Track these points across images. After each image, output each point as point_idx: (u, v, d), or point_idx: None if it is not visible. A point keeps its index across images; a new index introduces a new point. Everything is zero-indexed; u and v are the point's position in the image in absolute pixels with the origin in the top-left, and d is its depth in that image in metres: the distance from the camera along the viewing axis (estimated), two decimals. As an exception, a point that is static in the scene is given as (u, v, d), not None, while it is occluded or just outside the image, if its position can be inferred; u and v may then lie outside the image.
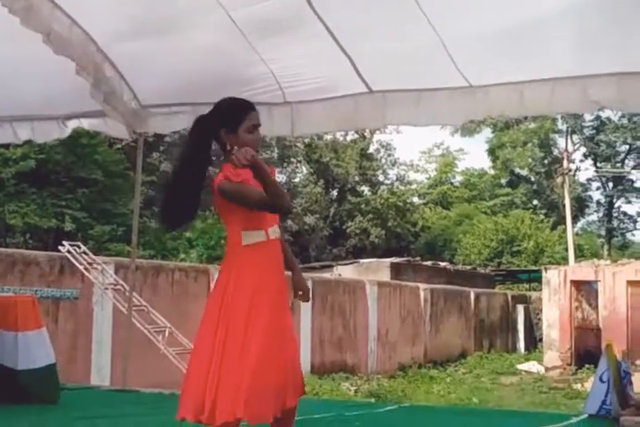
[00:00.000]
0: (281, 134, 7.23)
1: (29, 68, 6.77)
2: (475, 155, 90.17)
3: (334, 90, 6.22)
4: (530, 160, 49.80)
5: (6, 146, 18.99)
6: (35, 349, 6.80)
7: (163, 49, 6.19)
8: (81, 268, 12.34)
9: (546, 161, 50.00)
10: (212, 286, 15.63)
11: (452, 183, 51.90)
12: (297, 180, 40.47)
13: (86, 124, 7.48)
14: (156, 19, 5.79)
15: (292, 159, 39.05)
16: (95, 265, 12.46)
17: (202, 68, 6.33)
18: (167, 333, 11.84)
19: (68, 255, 12.46)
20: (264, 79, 6.31)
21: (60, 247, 12.82)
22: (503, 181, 51.45)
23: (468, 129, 49.61)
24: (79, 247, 12.64)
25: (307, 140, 39.25)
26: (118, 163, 22.52)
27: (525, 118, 49.83)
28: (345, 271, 25.36)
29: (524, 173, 52.10)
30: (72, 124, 7.51)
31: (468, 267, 33.07)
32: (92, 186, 21.55)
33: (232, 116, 3.46)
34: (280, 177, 39.38)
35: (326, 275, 22.87)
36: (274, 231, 3.52)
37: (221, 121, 3.44)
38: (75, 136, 20.03)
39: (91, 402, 6.86)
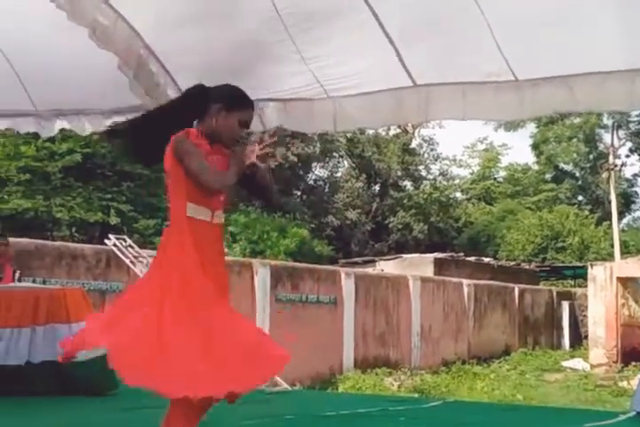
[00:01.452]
0: (323, 130, 7.19)
1: (75, 63, 6.82)
2: (518, 150, 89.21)
3: (378, 84, 6.16)
4: (575, 155, 49.23)
5: (52, 140, 19.22)
6: None
7: (204, 41, 6.19)
8: (127, 261, 12.45)
9: (591, 156, 49.37)
10: (255, 280, 15.70)
11: (495, 178, 51.49)
12: (339, 174, 40.43)
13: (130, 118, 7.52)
14: (202, 8, 5.77)
15: (334, 154, 38.99)
16: (141, 258, 12.56)
17: (239, 61, 6.32)
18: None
19: (114, 249, 12.58)
20: (303, 74, 6.27)
21: (105, 241, 12.95)
22: (547, 176, 50.89)
23: (512, 124, 49.15)
24: (125, 241, 12.76)
25: (349, 135, 39.14)
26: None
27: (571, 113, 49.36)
28: (387, 267, 25.29)
29: (569, 168, 51.54)
30: (117, 119, 7.56)
31: (512, 263, 32.79)
32: (136, 180, 21.74)
33: (236, 99, 3.50)
34: (322, 172, 39.43)
35: (369, 270, 22.84)
36: (218, 216, 3.43)
37: (223, 97, 3.47)
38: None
39: (143, 393, 6.90)
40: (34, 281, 10.76)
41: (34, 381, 6.90)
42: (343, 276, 18.45)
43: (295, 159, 33.34)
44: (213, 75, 6.64)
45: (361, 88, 6.23)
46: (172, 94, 6.83)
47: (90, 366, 6.78)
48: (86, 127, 7.77)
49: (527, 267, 32.73)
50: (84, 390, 6.89)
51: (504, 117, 6.75)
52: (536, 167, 51.55)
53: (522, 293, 26.65)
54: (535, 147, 50.63)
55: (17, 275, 7.90)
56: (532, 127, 49.39)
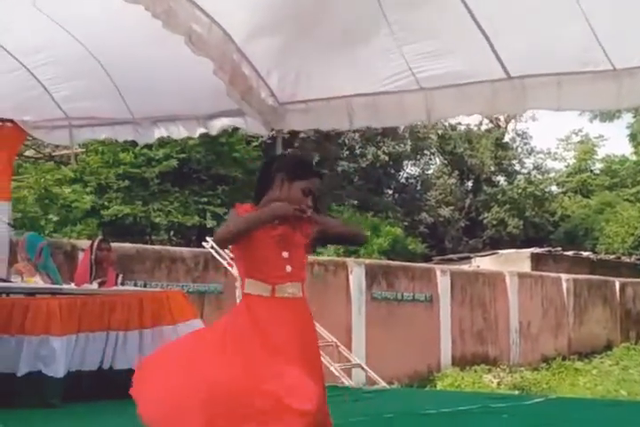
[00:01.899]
0: (415, 121, 7.17)
1: (169, 70, 7.00)
2: (615, 141, 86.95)
3: (471, 75, 6.14)
4: (674, 144, 47.71)
5: (149, 147, 19.67)
6: None
7: (296, 42, 6.27)
8: (224, 263, 12.66)
9: (692, 144, 47.79)
10: (350, 279, 15.76)
11: (591, 171, 50.27)
12: (430, 171, 40.14)
13: (227, 121, 7.68)
14: (295, 8, 5.84)
15: (426, 151, 38.74)
16: (237, 260, 12.74)
17: (333, 59, 6.38)
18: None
19: (212, 251, 12.80)
20: (396, 64, 6.28)
21: (203, 243, 13.19)
22: (646, 167, 49.46)
23: (608, 114, 47.92)
24: (221, 243, 12.95)
25: (440, 132, 38.88)
26: (256, 160, 22.94)
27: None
28: (483, 263, 25.04)
29: (669, 157, 49.97)
30: (215, 124, 7.73)
31: (612, 256, 32.02)
32: (231, 183, 22.04)
33: (298, 169, 3.39)
34: (413, 169, 39.24)
35: (464, 267, 22.66)
36: (284, 290, 3.25)
37: (285, 167, 3.38)
38: (214, 135, 20.59)
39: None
40: (135, 284, 11.07)
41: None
42: (438, 273, 18.36)
43: (386, 158, 33.28)
44: (307, 75, 6.76)
45: (454, 79, 6.22)
46: (265, 97, 6.96)
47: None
48: (181, 132, 7.97)
49: (628, 260, 31.92)
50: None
51: (600, 107, 6.58)
52: (634, 158, 50.11)
53: (623, 286, 26.00)
54: (633, 137, 49.20)
55: (120, 279, 8.12)
56: (628, 117, 47.99)
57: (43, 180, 17.90)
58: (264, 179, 3.41)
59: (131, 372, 6.98)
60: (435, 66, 6.14)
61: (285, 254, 3.25)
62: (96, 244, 7.95)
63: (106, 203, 20.09)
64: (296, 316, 3.27)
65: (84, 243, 10.78)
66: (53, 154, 19.56)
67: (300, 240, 3.33)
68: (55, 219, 18.49)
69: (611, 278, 25.75)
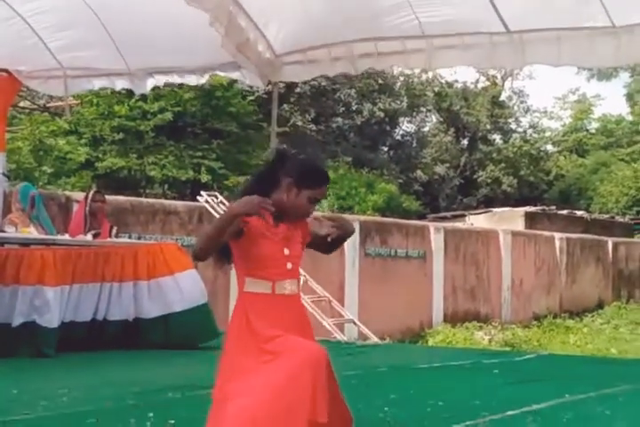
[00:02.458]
0: (416, 67, 7.10)
1: (166, 22, 6.92)
2: (612, 100, 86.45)
3: (470, 26, 6.09)
4: (671, 104, 47.55)
5: (144, 100, 19.54)
6: (190, 289, 7.13)
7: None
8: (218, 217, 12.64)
9: (689, 104, 47.63)
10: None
11: (587, 130, 50.16)
12: (426, 129, 40.03)
13: (224, 75, 7.62)
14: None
15: (422, 108, 38.57)
16: (232, 215, 12.71)
17: (331, 6, 6.31)
18: (302, 281, 12.04)
19: (206, 205, 12.78)
20: (400, 9, 6.22)
21: (198, 197, 13.16)
22: (642, 127, 49.35)
23: (605, 73, 47.67)
24: (216, 197, 12.94)
25: (436, 89, 38.68)
26: (252, 114, 22.82)
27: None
28: (477, 221, 25.10)
29: (665, 118, 49.83)
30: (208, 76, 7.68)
31: (606, 216, 32.12)
32: (226, 137, 21.95)
33: (308, 177, 3.28)
34: (409, 127, 39.10)
35: (458, 225, 22.71)
36: (283, 286, 3.22)
37: (295, 172, 3.25)
38: (210, 89, 20.46)
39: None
40: (129, 237, 11.06)
41: (143, 334, 7.16)
42: (432, 230, 18.40)
43: (382, 115, 33.14)
44: (305, 24, 6.67)
45: (454, 28, 6.17)
46: (263, 49, 6.89)
47: (195, 313, 7.05)
48: (177, 82, 7.92)
49: (621, 220, 32.02)
50: (190, 339, 7.14)
51: (599, 64, 6.52)
52: (630, 118, 49.97)
53: (616, 246, 26.13)
54: (629, 97, 49.04)
55: (114, 231, 8.12)
56: (625, 77, 47.84)
57: (37, 131, 17.79)
58: (268, 177, 3.29)
59: (124, 323, 7.08)
60: (437, 12, 6.09)
61: (287, 251, 3.24)
62: (90, 195, 7.94)
63: (100, 155, 20.03)
64: (293, 312, 3.26)
65: (79, 195, 10.75)
66: (48, 105, 19.43)
67: (298, 238, 3.31)
68: (49, 171, 18.43)
69: (604, 238, 25.86)
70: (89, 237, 7.50)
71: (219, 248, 3.17)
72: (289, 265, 3.26)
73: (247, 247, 3.19)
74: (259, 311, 3.15)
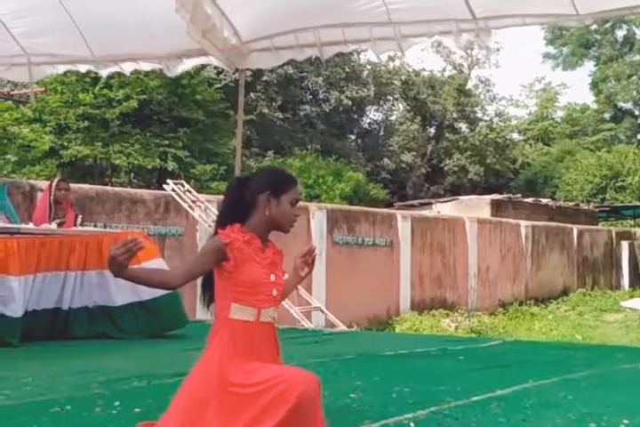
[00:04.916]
0: (387, 50, 7.09)
1: (131, 9, 6.85)
2: (577, 89, 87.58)
3: (438, 12, 6.13)
4: (634, 93, 48.00)
5: (109, 87, 19.36)
6: None
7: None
8: (185, 206, 12.59)
9: (652, 94, 48.15)
10: (311, 224, 15.79)
11: (553, 119, 50.63)
12: (393, 117, 40.08)
13: (191, 62, 7.57)
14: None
15: (389, 97, 38.61)
16: (198, 203, 12.68)
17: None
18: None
19: (173, 194, 12.71)
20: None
21: (164, 186, 13.09)
22: (606, 115, 49.83)
23: (570, 63, 48.10)
24: (183, 186, 12.87)
25: (403, 77, 38.72)
26: (218, 102, 22.70)
27: (630, 50, 48.02)
28: (444, 209, 25.21)
29: (629, 106, 50.33)
30: (176, 64, 7.62)
31: (571, 203, 32.42)
32: (193, 125, 21.83)
33: (280, 183, 3.29)
34: (376, 115, 39.14)
35: (425, 213, 22.81)
36: (267, 314, 3.16)
37: (267, 185, 3.25)
38: (176, 77, 20.31)
39: (194, 335, 7.04)
40: (95, 226, 10.99)
41: (110, 323, 7.11)
42: (399, 218, 18.46)
43: (349, 103, 33.13)
44: (273, 10, 6.64)
45: (422, 16, 6.21)
46: (229, 36, 6.85)
47: (163, 301, 7.02)
48: (143, 69, 7.86)
49: (586, 207, 32.34)
50: (161, 327, 7.12)
51: (561, 21, 6.42)
52: (595, 106, 50.51)
53: (580, 233, 26.40)
54: (594, 85, 49.53)
55: (79, 220, 8.05)
56: (590, 66, 48.35)
57: (1, 119, 17.59)
58: (241, 204, 3.24)
59: (87, 311, 7.03)
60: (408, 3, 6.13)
61: (273, 278, 3.19)
62: (55, 184, 7.86)
63: (65, 143, 19.80)
64: (271, 341, 3.21)
65: (43, 183, 10.63)
66: (12, 93, 19.19)
67: (281, 265, 3.28)
68: (14, 159, 18.23)
69: (569, 225, 26.11)
70: (53, 225, 7.43)
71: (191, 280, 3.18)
72: (274, 292, 3.20)
73: (235, 271, 3.12)
74: (244, 342, 3.08)
